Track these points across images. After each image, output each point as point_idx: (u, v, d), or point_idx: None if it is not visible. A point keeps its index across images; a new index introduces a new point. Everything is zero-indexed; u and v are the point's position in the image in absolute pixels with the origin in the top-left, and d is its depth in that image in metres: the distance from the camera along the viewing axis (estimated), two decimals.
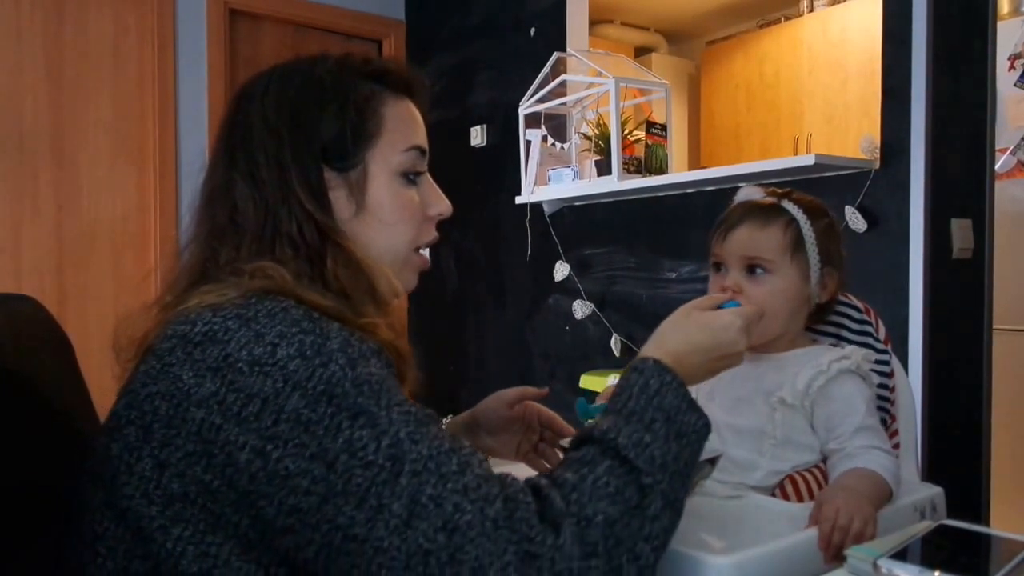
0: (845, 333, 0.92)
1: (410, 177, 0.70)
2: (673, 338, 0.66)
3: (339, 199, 0.67)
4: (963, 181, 1.71)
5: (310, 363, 0.53)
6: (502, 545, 0.50)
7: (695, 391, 0.92)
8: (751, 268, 0.84)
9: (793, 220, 0.84)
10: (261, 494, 0.52)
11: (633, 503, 0.54)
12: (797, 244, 0.84)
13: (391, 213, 0.68)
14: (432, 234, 0.73)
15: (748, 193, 0.89)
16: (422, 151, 0.71)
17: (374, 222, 0.68)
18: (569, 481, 0.55)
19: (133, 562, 0.55)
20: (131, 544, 0.56)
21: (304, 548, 0.52)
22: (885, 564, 0.59)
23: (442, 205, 0.73)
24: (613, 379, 2.22)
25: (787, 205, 0.85)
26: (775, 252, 0.83)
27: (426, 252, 0.73)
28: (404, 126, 0.70)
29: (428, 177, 0.73)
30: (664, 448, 0.57)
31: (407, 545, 0.50)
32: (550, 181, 2.33)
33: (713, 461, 0.69)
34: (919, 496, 0.82)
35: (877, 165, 1.68)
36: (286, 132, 0.65)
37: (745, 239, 0.84)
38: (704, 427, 0.61)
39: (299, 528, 0.52)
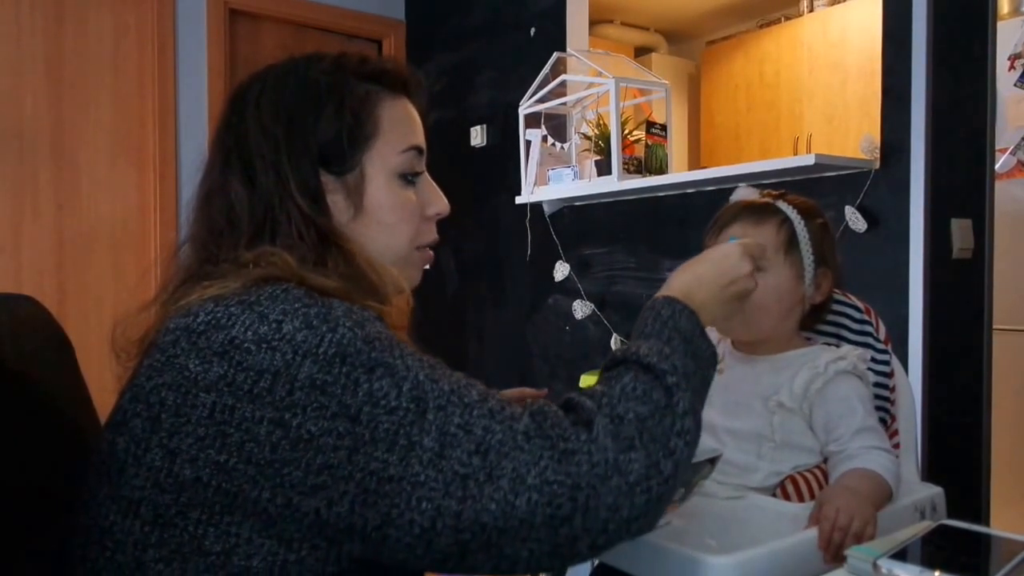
0: (845, 333, 0.92)
1: (408, 178, 0.70)
2: (679, 278, 0.69)
3: (337, 202, 0.67)
4: (963, 181, 1.70)
5: (317, 331, 0.54)
6: (537, 452, 0.52)
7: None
8: None
9: (787, 219, 0.84)
10: (286, 461, 0.52)
11: (662, 403, 0.56)
12: (791, 243, 0.84)
13: (389, 214, 0.68)
14: (432, 234, 0.73)
15: (743, 193, 0.90)
16: (420, 151, 0.71)
17: (372, 224, 0.68)
18: (598, 390, 0.57)
19: (147, 551, 0.56)
20: (141, 535, 0.56)
21: (338, 502, 0.52)
22: (885, 564, 0.59)
23: (440, 204, 0.73)
24: None
25: (781, 205, 0.86)
26: (769, 249, 0.83)
27: (428, 249, 0.73)
28: (401, 127, 0.69)
29: (427, 176, 0.73)
30: (684, 360, 0.59)
31: (443, 475, 0.51)
32: (550, 181, 2.33)
33: (713, 461, 0.69)
34: (919, 496, 0.82)
35: (877, 165, 1.68)
36: (282, 137, 0.65)
37: (738, 235, 0.84)
38: (712, 356, 0.63)
39: (331, 483, 0.52)
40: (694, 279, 0.68)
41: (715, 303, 0.68)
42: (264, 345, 0.53)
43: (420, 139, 0.71)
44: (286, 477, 0.53)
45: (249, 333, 0.54)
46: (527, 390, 0.86)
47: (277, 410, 0.52)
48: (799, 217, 0.85)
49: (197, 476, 0.54)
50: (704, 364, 0.62)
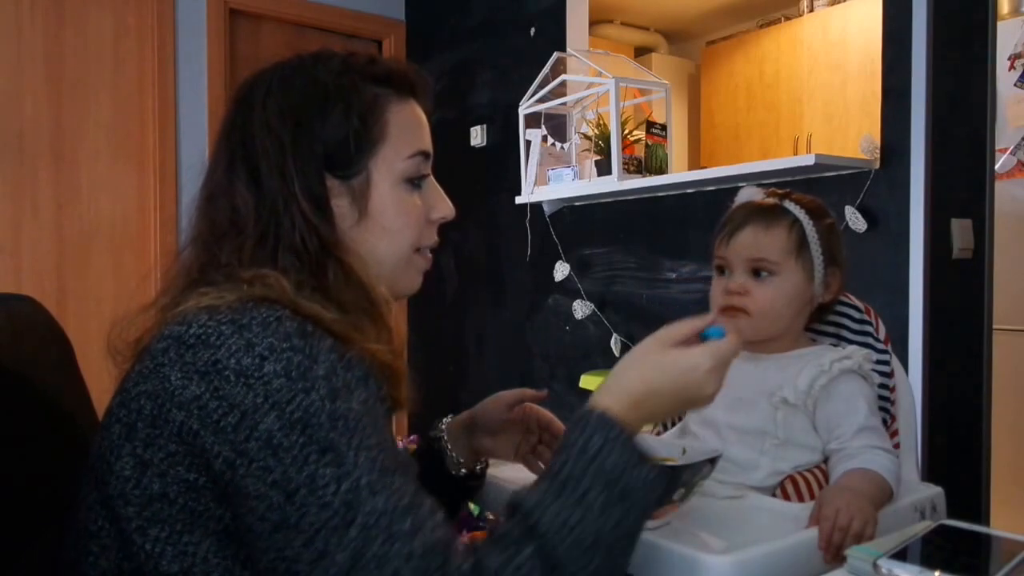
0: (845, 333, 0.92)
1: (414, 182, 0.69)
2: (630, 379, 0.61)
3: (341, 207, 0.66)
4: (963, 181, 1.71)
5: (293, 386, 0.53)
6: None
7: None
8: (756, 271, 0.84)
9: (797, 221, 0.85)
10: (229, 502, 0.55)
11: None
12: (801, 245, 0.84)
13: (393, 219, 0.67)
14: (433, 237, 0.72)
15: (748, 194, 0.90)
16: (426, 155, 0.70)
17: (376, 228, 0.67)
18: (491, 568, 0.53)
19: (125, 561, 0.56)
20: (122, 543, 0.56)
21: (254, 564, 0.55)
22: (885, 564, 0.59)
23: (445, 208, 0.72)
24: None
25: (789, 206, 0.86)
26: (780, 254, 0.84)
27: (428, 252, 0.73)
28: (408, 131, 0.69)
29: (432, 179, 0.72)
30: (599, 522, 0.54)
31: None
32: (550, 181, 2.33)
33: (713, 461, 0.69)
34: (919, 496, 0.82)
35: (877, 165, 1.68)
36: (288, 139, 0.64)
37: (750, 241, 0.84)
38: (655, 479, 0.58)
39: (250, 544, 0.54)
40: (645, 388, 0.60)
41: (663, 413, 0.63)
42: (243, 379, 0.53)
43: (427, 143, 0.70)
44: (231, 514, 0.55)
45: (232, 361, 0.54)
46: (527, 391, 0.86)
47: (233, 451, 0.53)
48: (808, 218, 0.85)
49: (164, 492, 0.55)
50: (637, 498, 0.56)
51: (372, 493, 0.52)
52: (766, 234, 0.84)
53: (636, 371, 0.62)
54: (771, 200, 0.87)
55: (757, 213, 0.86)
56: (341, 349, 0.57)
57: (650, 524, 0.68)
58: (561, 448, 0.58)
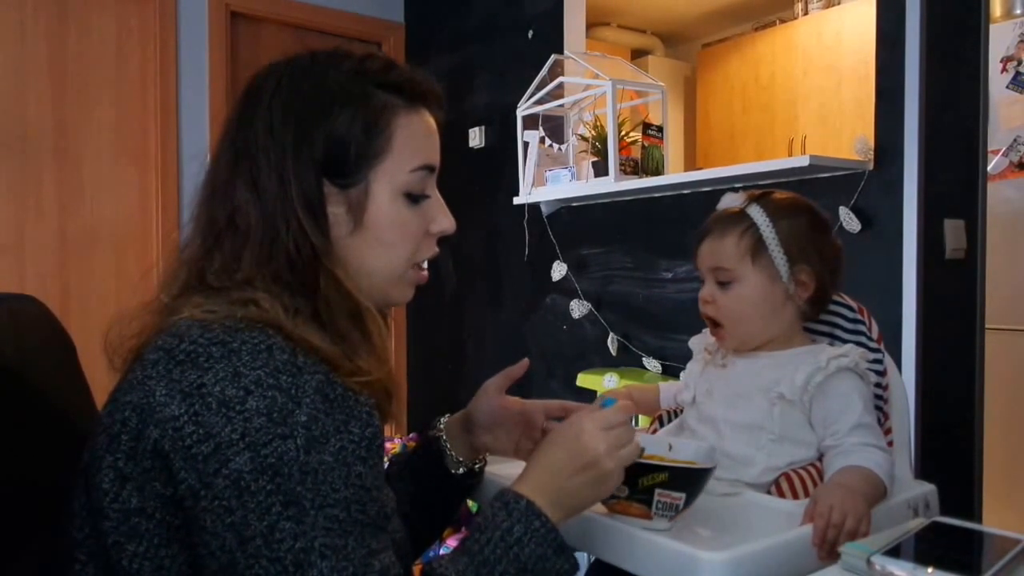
0: (839, 332, 0.93)
1: (414, 196, 0.67)
2: (536, 465, 0.66)
3: (337, 215, 0.64)
4: (956, 182, 1.72)
5: (273, 429, 0.53)
6: None
7: (693, 389, 0.93)
8: (720, 279, 0.86)
9: (751, 225, 0.84)
10: (189, 526, 0.54)
11: None
12: (757, 248, 0.84)
13: (388, 233, 0.66)
14: (432, 250, 0.71)
15: (729, 201, 0.90)
16: (431, 169, 0.68)
17: (371, 239, 0.66)
18: None
19: (107, 572, 0.56)
20: (104, 554, 0.56)
21: None
22: (879, 561, 0.60)
23: (446, 222, 0.70)
24: (609, 378, 2.21)
25: (751, 210, 0.86)
26: (733, 260, 0.85)
27: (425, 266, 0.71)
28: (414, 144, 0.67)
29: (436, 192, 0.70)
30: None
31: None
32: (548, 182, 2.34)
33: (710, 470, 0.70)
34: (912, 493, 0.83)
35: (871, 166, 1.69)
36: (289, 143, 0.63)
37: (707, 251, 0.87)
38: (571, 568, 0.62)
39: (200, 573, 0.54)
40: (548, 470, 0.64)
41: (571, 498, 0.64)
42: (224, 409, 0.53)
43: (432, 157, 0.69)
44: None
45: (217, 388, 0.54)
46: (510, 370, 0.83)
47: (199, 481, 0.53)
48: (767, 220, 0.84)
49: (142, 507, 0.54)
50: None
51: (322, 556, 0.52)
52: (720, 242, 0.86)
53: (540, 455, 0.66)
54: (737, 206, 0.87)
55: (718, 222, 0.87)
56: (327, 388, 0.56)
57: (647, 524, 0.69)
58: (484, 526, 0.62)
